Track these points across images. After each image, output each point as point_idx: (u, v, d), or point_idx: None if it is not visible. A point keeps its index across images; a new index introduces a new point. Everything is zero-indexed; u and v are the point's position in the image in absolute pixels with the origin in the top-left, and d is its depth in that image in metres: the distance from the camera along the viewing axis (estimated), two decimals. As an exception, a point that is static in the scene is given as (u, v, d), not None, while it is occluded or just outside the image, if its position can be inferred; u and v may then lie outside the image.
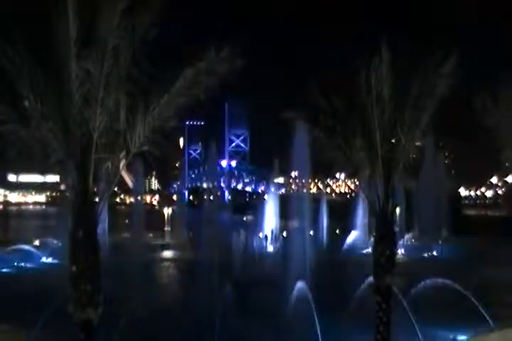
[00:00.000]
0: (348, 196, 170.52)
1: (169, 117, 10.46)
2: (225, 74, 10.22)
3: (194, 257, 40.81)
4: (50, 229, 58.54)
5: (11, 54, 9.42)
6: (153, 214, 68.39)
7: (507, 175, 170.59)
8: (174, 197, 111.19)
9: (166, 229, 57.04)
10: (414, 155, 13.79)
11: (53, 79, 9.80)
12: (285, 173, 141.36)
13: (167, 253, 46.88)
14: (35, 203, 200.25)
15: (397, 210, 46.64)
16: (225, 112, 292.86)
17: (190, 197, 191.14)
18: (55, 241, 41.62)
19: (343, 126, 12.71)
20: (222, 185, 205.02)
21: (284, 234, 57.02)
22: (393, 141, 12.52)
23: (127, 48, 9.87)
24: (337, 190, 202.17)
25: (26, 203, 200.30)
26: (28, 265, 36.31)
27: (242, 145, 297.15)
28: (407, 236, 48.56)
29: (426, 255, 43.26)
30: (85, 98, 9.84)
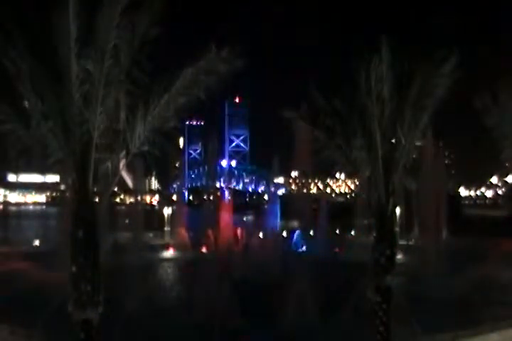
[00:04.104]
0: (348, 196, 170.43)
1: (169, 117, 10.46)
2: (225, 74, 10.22)
3: (194, 257, 40.80)
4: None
5: (12, 54, 9.42)
6: (153, 214, 68.34)
7: (507, 175, 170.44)
8: (174, 197, 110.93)
9: (166, 229, 57.00)
10: (414, 155, 13.77)
11: (53, 79, 9.80)
12: (285, 173, 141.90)
13: (167, 254, 46.89)
14: (35, 203, 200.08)
15: (397, 210, 46.65)
16: (225, 112, 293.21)
17: (190, 197, 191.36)
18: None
19: (343, 126, 12.69)
20: (222, 185, 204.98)
21: (284, 233, 57.08)
22: (393, 141, 12.50)
23: (127, 48, 9.87)
24: (337, 190, 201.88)
25: (26, 203, 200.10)
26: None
27: (242, 145, 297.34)
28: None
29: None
30: (85, 98, 9.84)
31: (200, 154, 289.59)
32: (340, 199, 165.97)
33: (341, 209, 74.77)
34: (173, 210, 60.43)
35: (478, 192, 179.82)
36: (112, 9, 9.56)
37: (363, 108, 12.31)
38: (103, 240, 10.81)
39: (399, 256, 17.25)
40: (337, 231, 63.79)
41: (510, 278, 30.44)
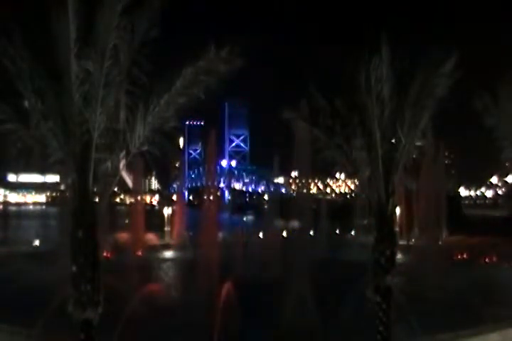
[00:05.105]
0: (348, 196, 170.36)
1: (169, 117, 10.46)
2: (225, 74, 10.23)
3: (194, 257, 40.78)
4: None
5: (12, 54, 9.42)
6: (153, 214, 68.32)
7: (507, 175, 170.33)
8: (174, 197, 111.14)
9: (166, 229, 56.99)
10: (414, 155, 13.77)
11: (53, 79, 9.81)
12: (285, 173, 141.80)
13: (167, 254, 46.87)
14: (35, 203, 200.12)
15: (397, 210, 46.68)
16: (225, 112, 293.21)
17: (190, 197, 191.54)
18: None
19: (343, 126, 12.69)
20: (222, 185, 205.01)
21: (284, 233, 57.08)
22: (393, 141, 12.50)
23: (127, 48, 9.88)
24: (337, 190, 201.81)
25: (26, 203, 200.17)
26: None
27: (242, 145, 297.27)
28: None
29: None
30: (85, 98, 9.85)
31: (200, 154, 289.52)
32: (337, 198, 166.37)
33: (339, 209, 74.85)
34: (173, 210, 60.40)
35: (478, 192, 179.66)
36: (112, 9, 9.57)
37: (363, 108, 12.31)
38: (103, 240, 10.83)
39: (399, 256, 17.23)
40: (337, 231, 63.84)
41: (510, 278, 30.45)
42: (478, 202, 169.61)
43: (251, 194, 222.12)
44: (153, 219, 59.63)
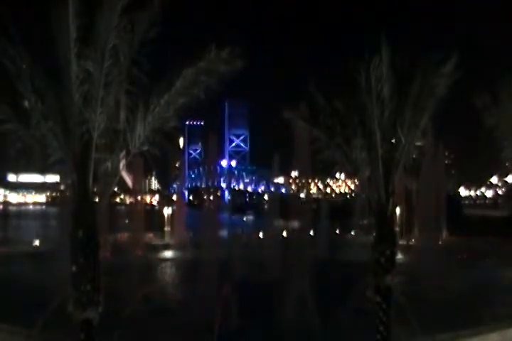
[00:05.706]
0: (348, 196, 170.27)
1: (169, 117, 10.46)
2: (225, 74, 10.23)
3: (194, 257, 40.82)
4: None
5: (12, 54, 9.43)
6: (153, 214, 68.35)
7: (507, 175, 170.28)
8: (174, 197, 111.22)
9: (166, 229, 57.04)
10: (414, 155, 13.76)
11: (53, 79, 9.81)
12: (285, 173, 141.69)
13: (167, 254, 46.91)
14: (35, 203, 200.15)
15: (397, 210, 46.70)
16: (225, 112, 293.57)
17: (190, 197, 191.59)
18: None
19: (343, 126, 12.69)
20: (222, 185, 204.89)
21: (284, 233, 57.13)
22: (393, 141, 12.50)
23: (127, 48, 9.88)
24: (337, 190, 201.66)
25: (26, 203, 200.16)
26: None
27: (242, 145, 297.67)
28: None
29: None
30: (85, 98, 9.85)
31: (200, 154, 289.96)
32: (337, 198, 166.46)
33: (339, 209, 74.82)
34: (173, 210, 60.46)
35: (478, 192, 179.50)
36: (112, 9, 9.57)
37: (363, 108, 12.30)
38: (103, 240, 10.83)
39: (399, 256, 17.26)
40: (337, 231, 63.90)
41: (510, 278, 30.45)
42: (478, 202, 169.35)
43: (251, 194, 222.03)
44: (153, 219, 59.65)
